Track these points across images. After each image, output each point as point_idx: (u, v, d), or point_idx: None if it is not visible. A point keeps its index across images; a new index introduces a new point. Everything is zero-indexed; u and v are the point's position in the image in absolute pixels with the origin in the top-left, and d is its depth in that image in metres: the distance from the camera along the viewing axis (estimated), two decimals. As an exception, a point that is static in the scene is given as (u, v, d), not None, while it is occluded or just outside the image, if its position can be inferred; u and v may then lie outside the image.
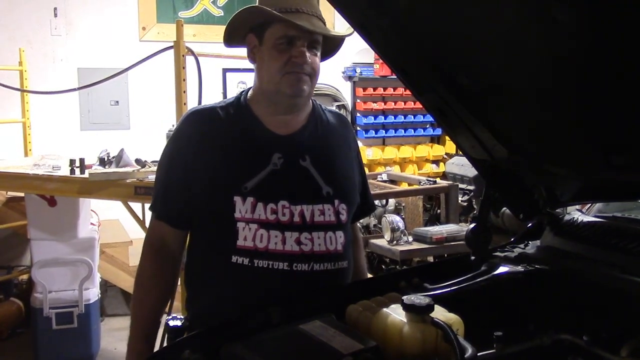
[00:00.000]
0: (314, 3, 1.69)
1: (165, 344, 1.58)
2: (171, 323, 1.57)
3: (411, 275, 1.67)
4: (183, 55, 3.22)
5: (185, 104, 3.22)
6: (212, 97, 6.09)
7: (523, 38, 1.36)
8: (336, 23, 6.59)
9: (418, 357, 1.28)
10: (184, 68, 3.23)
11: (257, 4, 1.69)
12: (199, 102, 3.02)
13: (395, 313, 1.36)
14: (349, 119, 6.92)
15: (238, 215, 1.63)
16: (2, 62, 5.04)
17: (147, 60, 3.52)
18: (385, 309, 1.39)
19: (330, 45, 1.79)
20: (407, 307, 1.32)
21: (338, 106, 6.88)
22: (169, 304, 1.80)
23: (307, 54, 1.65)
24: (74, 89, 4.67)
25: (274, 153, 1.68)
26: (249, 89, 1.79)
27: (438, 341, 1.30)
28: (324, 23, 1.71)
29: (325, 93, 6.79)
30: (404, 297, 1.35)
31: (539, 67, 1.42)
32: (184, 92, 3.23)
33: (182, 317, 1.60)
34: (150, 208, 1.79)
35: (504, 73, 1.53)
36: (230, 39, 1.75)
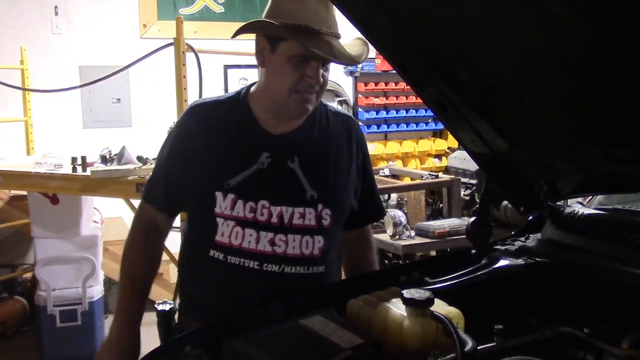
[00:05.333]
0: (333, 19, 1.65)
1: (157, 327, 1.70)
2: (160, 307, 1.69)
3: (411, 269, 1.67)
4: (183, 52, 3.22)
5: (185, 100, 3.22)
6: (213, 94, 6.08)
7: (522, 32, 1.36)
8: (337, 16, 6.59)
9: (418, 351, 1.28)
10: (184, 65, 3.23)
11: (275, 17, 1.61)
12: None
13: (396, 307, 1.37)
14: (351, 114, 6.90)
15: (218, 211, 1.66)
16: (3, 60, 5.04)
17: (148, 57, 3.52)
18: (385, 303, 1.40)
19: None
20: (407, 301, 1.33)
21: (340, 101, 6.87)
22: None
23: (320, 72, 1.63)
24: (76, 87, 4.67)
25: (263, 152, 1.68)
26: (252, 84, 1.78)
27: (438, 335, 1.30)
28: (340, 37, 1.67)
29: (327, 89, 6.77)
30: (404, 291, 1.36)
31: (538, 60, 1.42)
32: (185, 89, 3.23)
33: (171, 302, 1.70)
34: (144, 190, 1.87)
35: (503, 67, 1.53)
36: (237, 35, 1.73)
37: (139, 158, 3.57)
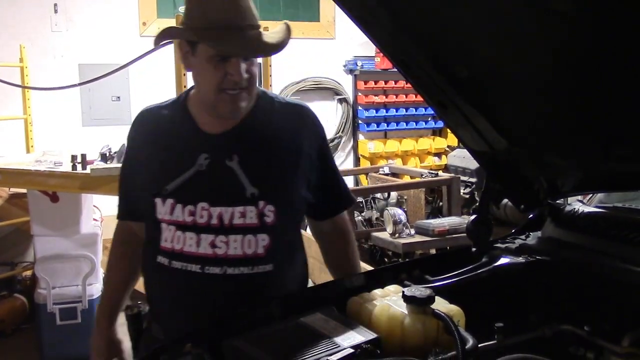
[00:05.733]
0: (245, 11, 1.57)
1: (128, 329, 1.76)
2: (126, 312, 1.74)
3: (412, 267, 1.67)
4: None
5: (185, 98, 3.22)
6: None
7: (523, 29, 1.36)
8: (337, 14, 6.58)
9: (419, 348, 1.28)
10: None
11: (188, 20, 1.58)
12: (200, 97, 3.02)
13: (396, 305, 1.37)
14: (350, 112, 6.91)
15: (159, 217, 1.65)
16: (2, 58, 5.03)
17: (148, 55, 3.51)
18: (386, 301, 1.40)
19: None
20: (408, 299, 1.33)
21: (339, 100, 6.87)
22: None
23: (243, 67, 1.58)
24: (75, 85, 4.67)
25: (201, 153, 1.64)
26: (192, 87, 1.74)
27: (439, 333, 1.30)
28: (259, 26, 1.60)
29: (326, 87, 6.78)
30: (405, 289, 1.36)
31: (539, 58, 1.42)
32: (185, 86, 3.22)
33: (137, 305, 1.74)
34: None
35: (504, 65, 1.53)
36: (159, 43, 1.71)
37: (140, 156, 3.56)
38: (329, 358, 1.17)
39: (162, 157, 1.69)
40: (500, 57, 1.51)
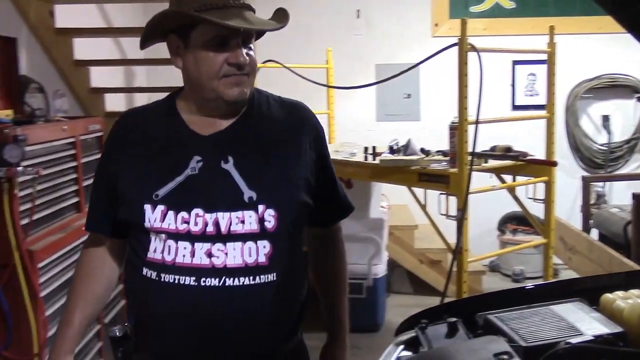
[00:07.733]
0: None
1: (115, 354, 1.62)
2: (111, 334, 1.61)
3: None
4: (466, 52, 3.38)
5: (465, 97, 3.38)
6: (500, 90, 6.12)
7: None
8: None
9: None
10: (466, 64, 3.39)
11: (177, 6, 1.50)
12: (479, 97, 3.14)
13: (652, 305, 1.38)
14: (651, 110, 6.35)
15: (148, 225, 1.51)
16: (313, 61, 5.71)
17: (436, 55, 3.75)
18: None
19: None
20: (664, 300, 1.34)
21: (638, 97, 6.36)
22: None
23: (244, 52, 1.48)
24: (371, 84, 5.12)
25: (194, 156, 1.52)
26: (176, 91, 1.65)
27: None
28: (254, 11, 1.51)
29: (624, 84, 6.33)
30: (663, 291, 1.37)
31: None
32: (465, 86, 3.38)
33: (123, 326, 1.62)
34: (86, 220, 1.72)
35: None
36: (146, 43, 1.58)
37: (422, 150, 3.84)
38: (568, 341, 1.26)
39: (150, 161, 1.56)
40: None
